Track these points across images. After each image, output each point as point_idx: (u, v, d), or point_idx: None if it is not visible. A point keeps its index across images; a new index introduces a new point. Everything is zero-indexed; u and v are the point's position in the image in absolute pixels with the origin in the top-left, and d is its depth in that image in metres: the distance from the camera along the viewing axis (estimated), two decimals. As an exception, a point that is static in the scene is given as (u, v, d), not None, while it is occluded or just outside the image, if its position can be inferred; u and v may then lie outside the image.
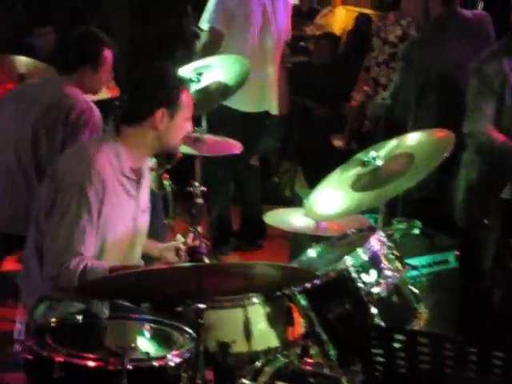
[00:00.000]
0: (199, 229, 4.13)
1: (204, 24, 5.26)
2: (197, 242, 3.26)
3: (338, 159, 3.39)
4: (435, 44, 4.28)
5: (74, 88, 3.81)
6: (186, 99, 3.05)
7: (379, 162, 3.09)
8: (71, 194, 2.86)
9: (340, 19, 9.56)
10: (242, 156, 5.42)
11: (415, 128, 4.15)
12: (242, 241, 5.74)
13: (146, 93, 3.03)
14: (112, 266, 2.85)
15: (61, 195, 2.88)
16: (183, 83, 3.11)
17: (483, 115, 3.81)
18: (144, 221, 3.16)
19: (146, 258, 3.25)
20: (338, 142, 5.73)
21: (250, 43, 5.18)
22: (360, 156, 3.16)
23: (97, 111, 3.78)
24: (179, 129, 3.06)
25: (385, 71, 5.54)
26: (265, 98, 5.43)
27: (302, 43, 8.58)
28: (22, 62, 4.68)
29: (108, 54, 3.87)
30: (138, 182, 3.08)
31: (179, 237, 3.24)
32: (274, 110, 5.51)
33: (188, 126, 3.12)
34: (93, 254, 2.88)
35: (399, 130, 4.61)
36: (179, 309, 2.92)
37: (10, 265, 4.37)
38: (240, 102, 5.16)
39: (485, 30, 4.49)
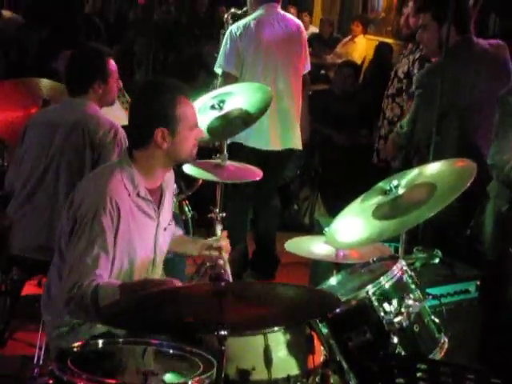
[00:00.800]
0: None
1: (217, 68, 5.29)
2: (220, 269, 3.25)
3: (358, 187, 3.41)
4: (451, 72, 4.28)
5: (94, 106, 3.88)
6: (183, 110, 2.99)
7: (401, 191, 3.10)
8: (85, 222, 2.90)
9: (360, 48, 9.64)
10: (262, 195, 5.48)
11: (436, 155, 4.17)
12: (256, 270, 5.73)
13: (141, 116, 3.03)
14: (122, 283, 2.87)
15: (77, 224, 2.93)
16: (178, 96, 3.00)
17: (508, 145, 3.80)
18: (165, 238, 3.18)
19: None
20: None
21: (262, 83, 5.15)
22: (381, 184, 3.17)
23: (121, 129, 3.84)
24: (185, 141, 3.01)
25: (391, 105, 5.56)
26: (287, 134, 5.39)
27: (323, 71, 8.65)
28: (47, 85, 4.73)
29: (111, 62, 3.95)
30: (158, 201, 3.10)
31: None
32: (298, 145, 5.49)
33: (196, 134, 3.06)
34: (106, 277, 2.89)
35: (418, 157, 4.67)
36: (200, 335, 2.92)
37: (31, 289, 4.41)
38: (262, 141, 5.20)
39: (502, 58, 4.49)
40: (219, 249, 3.24)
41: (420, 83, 4.55)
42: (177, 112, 2.97)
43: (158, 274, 3.16)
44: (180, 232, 3.51)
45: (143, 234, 3.04)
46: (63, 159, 3.82)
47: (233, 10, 5.62)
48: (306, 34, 5.57)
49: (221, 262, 3.26)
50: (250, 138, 5.13)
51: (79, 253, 2.88)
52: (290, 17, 5.58)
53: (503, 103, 3.87)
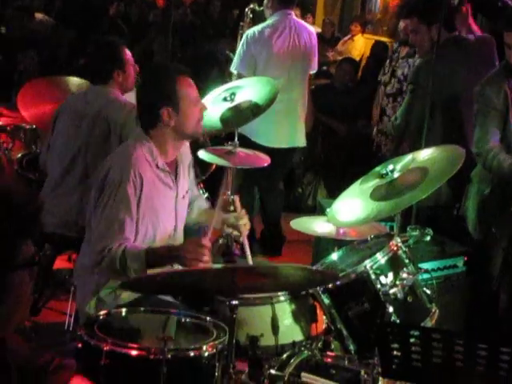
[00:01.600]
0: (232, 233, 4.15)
1: (233, 69, 5.27)
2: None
3: (357, 172, 3.38)
4: (440, 68, 4.24)
5: (115, 92, 3.88)
6: (183, 87, 3.00)
7: (396, 175, 3.08)
8: (111, 191, 2.91)
9: (359, 46, 9.60)
10: (268, 183, 5.45)
11: (428, 143, 4.14)
12: (264, 247, 5.72)
13: (146, 100, 3.05)
14: (149, 248, 2.87)
15: (104, 192, 2.94)
16: (175, 75, 3.01)
17: (489, 135, 3.76)
18: (184, 206, 3.20)
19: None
20: None
21: None
22: (378, 169, 3.15)
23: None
24: (190, 116, 3.02)
25: (392, 104, 5.50)
26: (292, 134, 5.37)
27: (325, 67, 8.60)
28: (75, 82, 4.73)
29: (126, 51, 3.95)
30: (175, 172, 3.11)
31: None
32: (302, 143, 5.46)
33: (199, 108, 3.06)
34: (133, 239, 2.91)
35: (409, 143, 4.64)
36: (214, 305, 2.92)
37: (61, 263, 4.42)
38: (267, 138, 5.16)
39: (486, 52, 4.41)
40: (240, 226, 3.22)
41: (411, 79, 4.52)
42: (177, 90, 2.99)
43: (179, 239, 3.16)
44: (206, 205, 3.49)
45: (164, 203, 3.06)
46: (91, 145, 3.83)
47: (251, 5, 5.57)
48: (316, 40, 5.49)
49: (239, 238, 3.26)
50: (258, 135, 5.11)
51: (106, 218, 2.89)
52: (304, 24, 5.53)
53: (481, 95, 3.83)
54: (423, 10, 4.52)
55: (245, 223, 3.26)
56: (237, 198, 3.31)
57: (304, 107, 5.43)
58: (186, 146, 3.27)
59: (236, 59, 5.24)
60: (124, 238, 2.86)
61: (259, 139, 5.13)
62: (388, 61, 5.70)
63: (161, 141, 3.04)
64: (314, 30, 5.63)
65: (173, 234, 3.11)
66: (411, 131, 4.52)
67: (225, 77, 5.75)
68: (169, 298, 3.00)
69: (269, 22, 5.29)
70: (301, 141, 5.44)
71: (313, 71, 5.49)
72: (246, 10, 5.59)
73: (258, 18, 5.60)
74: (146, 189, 2.95)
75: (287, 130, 5.32)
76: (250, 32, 5.24)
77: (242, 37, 5.34)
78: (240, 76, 5.16)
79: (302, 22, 5.66)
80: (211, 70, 6.44)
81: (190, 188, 3.31)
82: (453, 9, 4.48)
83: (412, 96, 4.46)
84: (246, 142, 4.69)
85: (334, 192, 3.32)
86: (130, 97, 4.02)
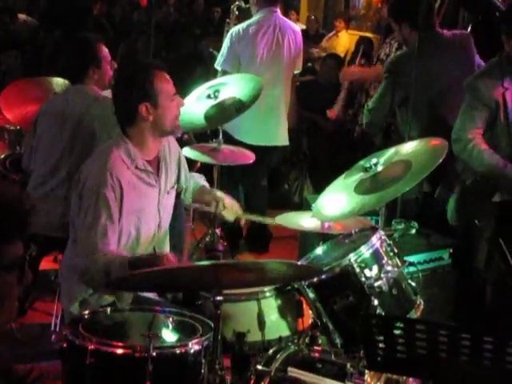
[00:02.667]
0: (217, 231, 4.15)
1: (217, 66, 5.26)
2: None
3: (343, 168, 3.38)
4: (418, 59, 4.25)
5: (95, 89, 3.84)
6: (159, 82, 2.98)
7: (380, 168, 3.08)
8: (90, 198, 2.90)
9: (344, 42, 9.59)
10: (251, 180, 5.44)
11: (411, 136, 4.16)
12: (251, 244, 5.71)
13: (124, 96, 3.01)
14: (132, 256, 2.87)
15: (83, 200, 2.93)
16: (152, 70, 3.00)
17: (472, 125, 3.75)
18: (169, 201, 3.18)
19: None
20: (332, 113, 5.46)
21: None
22: (362, 162, 3.15)
23: None
24: (168, 110, 3.01)
25: (374, 84, 5.50)
26: (274, 133, 5.34)
27: (309, 64, 8.59)
28: (59, 82, 4.71)
29: (102, 47, 3.89)
30: (156, 169, 3.09)
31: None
32: (284, 142, 5.44)
33: (177, 103, 3.04)
34: (115, 245, 2.89)
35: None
36: (199, 302, 2.91)
37: (48, 264, 4.39)
38: (249, 136, 5.15)
39: (465, 46, 4.44)
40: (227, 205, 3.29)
41: (387, 69, 4.53)
42: (154, 86, 2.96)
43: (163, 235, 3.15)
44: (203, 182, 3.50)
45: (146, 202, 3.04)
46: (76, 145, 3.79)
47: (237, 2, 5.55)
48: (301, 40, 5.47)
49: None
50: (240, 132, 5.10)
51: (88, 226, 2.87)
52: (289, 23, 5.50)
53: (471, 88, 3.82)
54: (392, 9, 4.65)
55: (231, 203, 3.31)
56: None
57: (286, 106, 5.42)
58: (172, 141, 3.26)
59: (220, 56, 5.22)
60: (107, 244, 2.84)
61: (242, 137, 5.12)
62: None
63: (140, 139, 3.01)
64: (299, 28, 5.61)
65: (157, 231, 3.10)
66: (376, 126, 4.58)
67: (209, 75, 5.74)
68: (154, 296, 2.99)
69: (254, 19, 5.27)
70: (283, 139, 5.43)
71: (297, 71, 5.48)
72: (232, 6, 5.58)
73: (243, 15, 5.58)
74: (126, 191, 2.93)
75: (269, 128, 5.31)
76: (235, 30, 5.23)
77: (227, 34, 5.33)
78: (225, 73, 5.14)
79: (288, 20, 5.64)
80: (195, 68, 6.43)
81: (184, 177, 3.31)
82: (431, 7, 4.52)
83: (385, 85, 4.48)
84: (228, 140, 4.69)
85: (321, 188, 3.30)
86: (108, 94, 4.00)
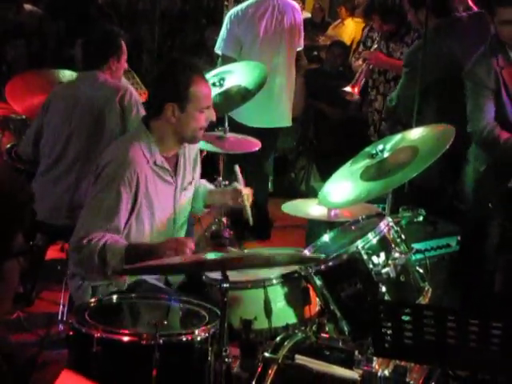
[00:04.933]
0: (224, 219, 4.13)
1: (217, 50, 5.22)
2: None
3: (350, 156, 3.36)
4: (436, 49, 4.21)
5: (105, 76, 3.87)
6: (197, 90, 2.92)
7: (386, 154, 3.06)
8: (104, 184, 2.89)
9: (349, 30, 9.52)
10: (253, 167, 5.40)
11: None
12: (252, 232, 5.69)
13: (156, 90, 3.00)
14: (129, 243, 2.83)
15: (97, 183, 2.92)
16: (194, 75, 2.93)
17: (483, 113, 3.75)
18: (186, 198, 3.15)
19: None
20: (350, 93, 5.34)
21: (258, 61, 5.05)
22: (368, 149, 3.13)
23: (132, 89, 3.91)
24: (193, 119, 2.94)
25: (384, 81, 5.45)
26: (275, 113, 5.31)
27: (315, 52, 8.55)
28: (66, 74, 4.71)
29: (123, 44, 3.96)
30: (174, 166, 3.06)
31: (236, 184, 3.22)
32: (286, 123, 5.40)
33: (207, 116, 2.97)
34: (121, 233, 2.87)
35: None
36: (206, 289, 2.91)
37: (54, 254, 4.40)
38: (252, 119, 5.12)
39: (483, 28, 4.32)
40: (242, 195, 3.20)
41: (408, 61, 4.48)
42: (189, 91, 2.90)
43: (179, 230, 3.14)
44: (210, 186, 3.45)
45: (162, 199, 3.02)
46: (82, 131, 3.80)
47: None
48: (300, 15, 5.43)
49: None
50: (242, 115, 5.04)
51: (93, 207, 2.87)
52: (287, 0, 5.43)
53: (470, 76, 3.81)
54: None
55: (248, 193, 3.22)
56: (239, 170, 3.27)
57: (292, 87, 5.37)
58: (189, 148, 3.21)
59: (220, 40, 5.17)
60: (107, 230, 2.82)
61: (244, 119, 5.08)
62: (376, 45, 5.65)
63: (161, 134, 2.98)
64: (297, 5, 5.57)
65: (172, 228, 3.07)
66: (407, 113, 4.51)
67: (214, 63, 5.71)
68: (160, 284, 2.99)
69: (252, 0, 5.22)
70: (285, 120, 5.38)
71: (299, 48, 5.44)
72: None
73: None
74: (142, 186, 2.91)
75: (272, 111, 5.27)
76: (234, 11, 5.18)
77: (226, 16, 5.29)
78: (224, 57, 5.10)
79: None
80: (200, 57, 6.40)
81: (195, 178, 3.27)
82: None
83: (407, 78, 4.44)
84: (231, 123, 4.66)
85: (327, 176, 3.28)
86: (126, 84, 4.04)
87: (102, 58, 3.87)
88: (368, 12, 5.67)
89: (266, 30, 5.17)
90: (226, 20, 5.17)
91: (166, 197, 3.03)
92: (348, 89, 5.10)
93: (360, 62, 5.25)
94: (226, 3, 5.52)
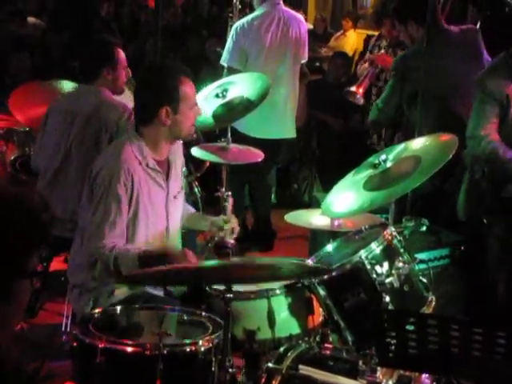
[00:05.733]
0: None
1: (223, 62, 5.24)
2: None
3: (352, 167, 3.36)
4: (426, 55, 4.23)
5: (107, 93, 3.85)
6: (185, 90, 2.99)
7: (389, 164, 3.06)
8: (102, 191, 2.91)
9: (351, 41, 9.56)
10: (256, 178, 5.41)
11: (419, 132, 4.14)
12: (256, 243, 5.68)
13: (147, 97, 3.02)
14: (141, 251, 2.85)
15: (94, 193, 2.94)
16: (180, 76, 2.99)
17: (486, 122, 3.73)
18: (176, 206, 3.16)
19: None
20: (353, 93, 5.29)
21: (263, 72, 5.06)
22: (371, 159, 3.13)
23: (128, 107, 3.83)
24: (186, 118, 3.02)
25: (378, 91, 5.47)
26: (280, 124, 5.31)
27: (317, 64, 8.57)
28: (67, 85, 4.71)
29: (120, 51, 3.92)
30: (166, 172, 3.08)
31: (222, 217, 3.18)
32: (290, 134, 5.41)
33: (195, 112, 3.05)
34: (124, 240, 2.90)
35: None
36: (209, 300, 2.90)
37: (58, 265, 4.39)
38: (256, 130, 5.12)
39: (472, 42, 4.40)
40: (227, 230, 3.15)
41: (395, 66, 4.52)
42: (180, 92, 2.97)
43: (171, 238, 3.13)
44: (192, 210, 3.46)
45: (155, 202, 3.03)
46: (82, 144, 3.80)
47: None
48: (305, 27, 5.45)
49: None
50: (246, 126, 5.04)
51: (97, 220, 2.88)
52: (293, 14, 5.46)
53: (481, 84, 3.81)
54: (397, 9, 4.62)
55: (232, 226, 3.16)
56: (231, 201, 3.26)
57: (295, 98, 5.39)
58: (178, 146, 3.25)
59: (226, 52, 5.19)
60: (114, 237, 2.85)
61: (248, 131, 5.09)
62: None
63: (153, 139, 3.02)
64: (302, 17, 5.59)
65: (165, 235, 3.08)
66: (388, 119, 4.56)
67: (216, 75, 5.72)
68: (162, 294, 2.99)
69: (258, 12, 5.25)
70: (290, 132, 5.39)
71: (303, 61, 5.46)
72: (235, 1, 5.54)
73: (247, 9, 5.56)
74: (137, 187, 2.94)
75: (276, 122, 5.28)
76: (239, 24, 5.20)
77: (231, 28, 5.30)
78: (230, 70, 5.12)
79: (291, 10, 5.59)
80: (202, 68, 6.42)
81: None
82: (434, 5, 4.50)
83: (394, 82, 4.46)
84: (234, 134, 4.66)
85: (330, 187, 3.28)
86: (121, 99, 4.01)
87: (95, 69, 3.83)
88: (379, 16, 5.65)
89: (271, 42, 5.19)
90: (232, 32, 5.20)
91: (158, 202, 3.05)
92: (352, 88, 5.10)
93: (366, 65, 5.25)
94: (230, 15, 5.53)
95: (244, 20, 5.23)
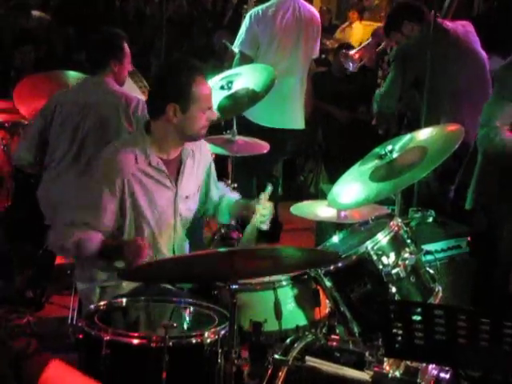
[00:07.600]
0: (232, 222, 4.12)
1: (236, 47, 5.23)
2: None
3: (358, 159, 3.35)
4: (422, 49, 4.23)
5: (115, 84, 3.86)
6: (199, 91, 2.89)
7: (395, 155, 3.05)
8: (92, 187, 2.92)
9: (357, 33, 9.52)
10: (263, 169, 5.40)
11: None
12: (261, 234, 5.65)
13: (157, 90, 2.98)
14: (104, 240, 2.87)
15: (88, 181, 2.99)
16: (195, 76, 2.90)
17: (501, 113, 3.70)
18: (189, 206, 3.11)
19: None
20: (348, 55, 5.26)
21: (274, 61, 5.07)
22: (377, 150, 3.12)
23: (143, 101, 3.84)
24: (195, 120, 2.92)
25: None
26: (290, 115, 5.30)
27: (323, 55, 8.54)
28: (74, 76, 4.71)
29: (126, 46, 3.93)
30: (176, 171, 3.03)
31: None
32: (299, 125, 5.40)
33: (208, 115, 2.95)
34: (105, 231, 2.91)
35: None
36: (215, 292, 2.90)
37: (64, 258, 4.40)
38: (264, 118, 5.10)
39: (466, 35, 4.44)
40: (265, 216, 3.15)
41: (395, 55, 4.53)
42: (191, 91, 2.89)
43: (180, 240, 3.11)
44: (233, 197, 3.38)
45: (155, 200, 2.99)
46: (92, 136, 3.79)
47: None
48: (319, 22, 5.41)
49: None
50: (255, 115, 5.02)
51: (79, 206, 2.92)
52: (307, 6, 5.43)
53: (499, 79, 3.79)
54: (388, 23, 4.71)
55: (264, 213, 3.12)
56: (270, 188, 3.20)
57: (304, 90, 5.37)
58: (204, 145, 3.19)
59: (239, 37, 5.18)
60: (88, 224, 2.86)
61: (255, 118, 5.06)
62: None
63: (160, 136, 2.97)
64: (317, 12, 5.56)
65: (173, 233, 3.06)
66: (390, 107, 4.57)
67: (223, 67, 5.70)
68: (169, 286, 2.98)
69: (273, 1, 5.24)
70: (299, 122, 5.38)
71: (314, 56, 5.44)
72: None
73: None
74: (131, 189, 2.92)
75: (285, 111, 5.26)
76: (254, 11, 5.21)
77: (246, 16, 5.30)
78: (242, 55, 5.10)
79: (306, 3, 5.57)
80: (208, 61, 6.40)
81: (214, 187, 3.26)
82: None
83: (395, 70, 4.48)
84: (243, 122, 4.64)
85: (336, 179, 3.27)
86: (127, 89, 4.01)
87: (103, 61, 3.84)
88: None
89: (284, 31, 5.17)
90: (247, 19, 5.20)
91: (162, 201, 3.00)
92: (350, 52, 5.13)
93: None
94: (245, 6, 5.52)
95: (259, 7, 5.24)
